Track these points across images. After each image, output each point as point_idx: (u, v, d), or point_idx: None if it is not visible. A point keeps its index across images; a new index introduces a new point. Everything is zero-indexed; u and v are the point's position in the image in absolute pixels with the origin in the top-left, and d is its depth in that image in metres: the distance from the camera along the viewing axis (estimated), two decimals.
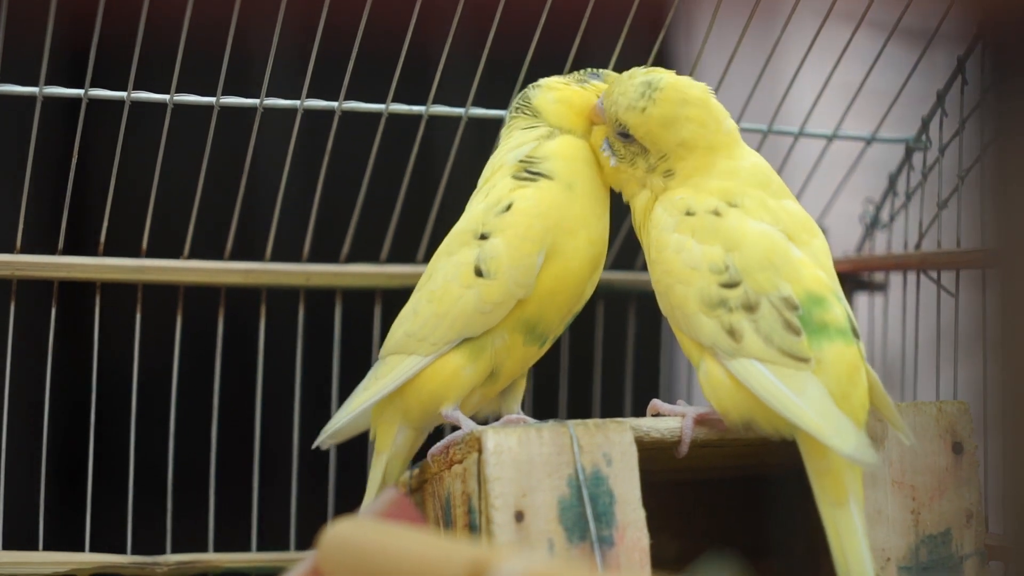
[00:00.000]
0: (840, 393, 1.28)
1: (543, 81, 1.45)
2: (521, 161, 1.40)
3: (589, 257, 1.39)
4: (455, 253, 1.40)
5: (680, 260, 1.33)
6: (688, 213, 1.34)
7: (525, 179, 1.39)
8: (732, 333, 1.30)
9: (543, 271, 1.37)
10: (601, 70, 1.46)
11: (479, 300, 1.37)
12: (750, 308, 1.30)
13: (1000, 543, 1.40)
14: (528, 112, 1.43)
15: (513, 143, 1.43)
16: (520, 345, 1.39)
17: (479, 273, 1.37)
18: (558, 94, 1.43)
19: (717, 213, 1.33)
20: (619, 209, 1.43)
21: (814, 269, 1.32)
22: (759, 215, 1.34)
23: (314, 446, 1.47)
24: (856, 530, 1.27)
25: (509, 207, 1.38)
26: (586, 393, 1.69)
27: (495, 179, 1.41)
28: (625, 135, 1.37)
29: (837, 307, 1.31)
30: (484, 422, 1.39)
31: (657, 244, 1.36)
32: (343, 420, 1.43)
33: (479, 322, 1.38)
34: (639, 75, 1.37)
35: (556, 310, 1.39)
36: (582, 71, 1.46)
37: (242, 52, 1.45)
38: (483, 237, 1.38)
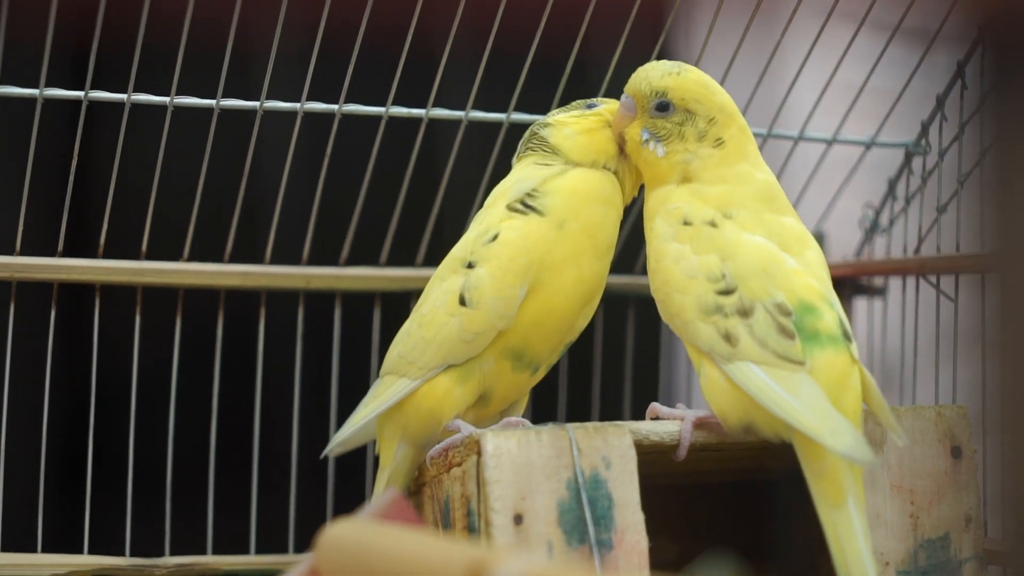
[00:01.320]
0: (832, 398, 1.29)
1: (552, 119, 1.44)
2: (526, 193, 1.40)
3: (577, 294, 1.39)
4: (445, 279, 1.41)
5: (678, 269, 1.34)
6: (685, 223, 1.35)
7: (517, 211, 1.39)
8: (728, 338, 1.31)
9: (526, 303, 1.37)
10: (595, 99, 1.45)
11: (461, 329, 1.37)
12: (745, 313, 1.31)
13: (999, 547, 1.41)
14: (547, 150, 1.43)
15: (523, 174, 1.42)
16: (508, 371, 1.39)
17: (463, 302, 1.38)
18: (575, 127, 1.42)
19: (713, 224, 1.34)
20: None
21: (806, 278, 1.33)
22: (752, 228, 1.35)
23: (322, 455, 1.48)
24: (855, 531, 1.27)
25: (495, 237, 1.38)
26: (585, 396, 1.69)
27: (493, 207, 1.42)
28: (664, 106, 1.37)
29: (829, 314, 1.32)
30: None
31: (656, 254, 1.36)
32: (346, 434, 1.44)
33: (462, 350, 1.38)
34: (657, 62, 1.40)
35: (543, 341, 1.39)
36: (575, 103, 1.45)
37: (243, 55, 1.45)
38: (470, 266, 1.39)
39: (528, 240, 1.38)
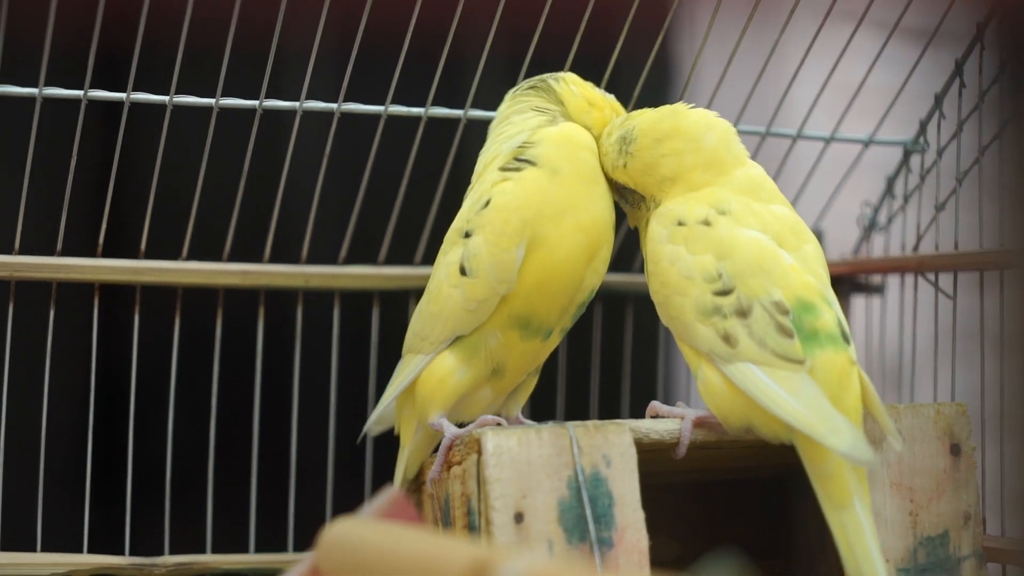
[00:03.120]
0: (832, 397, 1.29)
1: (566, 75, 1.45)
2: (517, 148, 1.40)
3: (579, 244, 1.38)
4: (447, 252, 1.41)
5: (675, 271, 1.34)
6: (679, 224, 1.35)
7: (510, 169, 1.39)
8: (727, 339, 1.31)
9: (527, 264, 1.37)
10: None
11: (464, 298, 1.37)
12: (743, 313, 1.31)
13: (997, 545, 1.41)
14: (547, 98, 1.44)
15: (512, 131, 1.43)
16: (518, 341, 1.39)
17: (463, 271, 1.38)
18: (584, 91, 1.44)
19: (707, 222, 1.35)
20: (617, 213, 1.44)
21: (803, 275, 1.33)
22: (747, 221, 1.35)
23: (360, 436, 1.49)
24: (864, 531, 1.27)
25: (488, 204, 1.38)
26: (584, 395, 1.69)
27: (485, 173, 1.42)
28: (622, 190, 1.42)
29: (827, 313, 1.32)
30: (462, 426, 1.39)
31: (653, 256, 1.37)
32: (375, 416, 1.46)
33: (467, 320, 1.38)
34: (615, 130, 1.41)
35: (549, 302, 1.38)
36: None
37: (243, 54, 1.45)
38: (467, 235, 1.39)
39: (519, 198, 1.37)
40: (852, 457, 1.25)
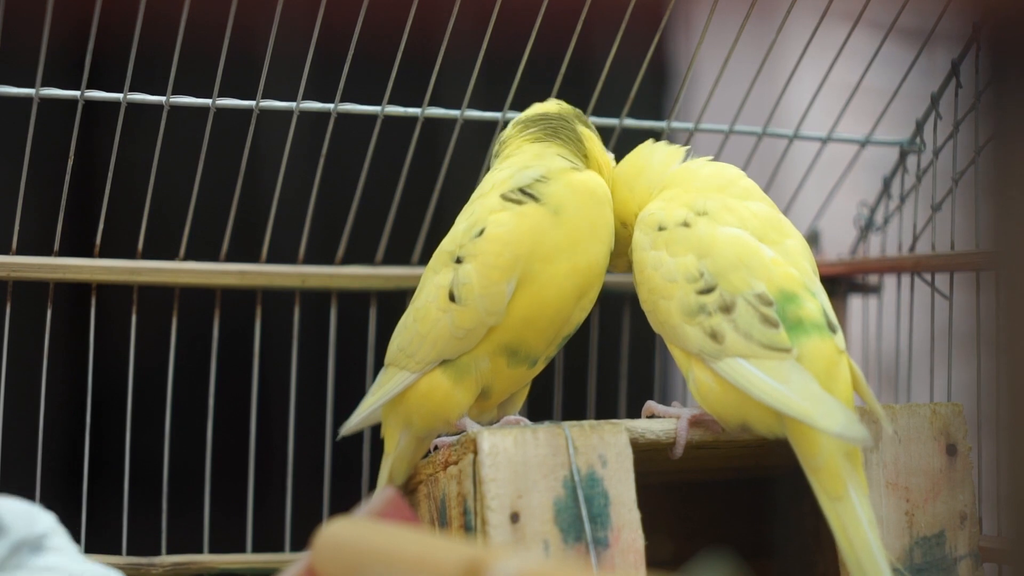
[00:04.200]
0: (821, 384, 1.29)
1: (581, 130, 1.44)
2: (534, 179, 1.39)
3: (571, 285, 1.38)
4: (438, 272, 1.40)
5: (659, 276, 1.35)
6: (660, 229, 1.36)
7: (510, 200, 1.38)
8: (714, 336, 1.31)
9: (516, 299, 1.37)
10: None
11: (452, 325, 1.37)
12: (727, 309, 1.31)
13: (994, 545, 1.41)
14: (578, 152, 1.42)
15: (540, 161, 1.41)
16: (505, 367, 1.39)
17: (452, 298, 1.38)
18: (600, 151, 1.45)
19: (686, 224, 1.35)
20: None
21: (785, 267, 1.33)
22: (726, 219, 1.35)
23: (338, 437, 1.49)
24: (860, 521, 1.27)
25: (482, 232, 1.38)
26: (581, 395, 1.69)
27: (487, 197, 1.41)
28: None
29: (811, 302, 1.32)
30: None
31: (638, 265, 1.37)
32: (354, 422, 1.46)
33: (454, 346, 1.38)
34: None
35: (537, 336, 1.38)
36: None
37: (239, 54, 1.45)
38: (459, 261, 1.38)
39: (515, 232, 1.37)
40: (845, 436, 1.26)
